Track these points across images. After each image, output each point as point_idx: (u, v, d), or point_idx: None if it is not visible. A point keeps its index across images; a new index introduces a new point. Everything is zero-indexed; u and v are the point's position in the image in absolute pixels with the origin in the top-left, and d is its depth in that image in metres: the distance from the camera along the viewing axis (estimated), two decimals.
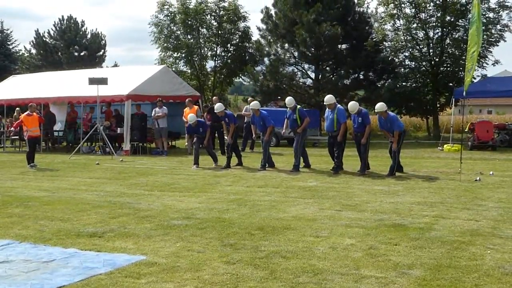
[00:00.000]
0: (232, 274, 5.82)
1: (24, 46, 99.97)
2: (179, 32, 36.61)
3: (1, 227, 8.38)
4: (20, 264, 6.39)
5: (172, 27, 36.59)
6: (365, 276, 5.67)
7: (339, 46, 32.79)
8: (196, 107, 20.82)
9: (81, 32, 52.13)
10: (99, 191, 11.86)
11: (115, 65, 51.35)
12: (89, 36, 52.62)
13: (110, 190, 12.06)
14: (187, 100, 21.19)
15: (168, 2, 36.30)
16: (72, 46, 50.68)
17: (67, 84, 24.49)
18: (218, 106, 16.52)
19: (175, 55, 37.12)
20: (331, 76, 34.13)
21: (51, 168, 17.01)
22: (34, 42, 50.93)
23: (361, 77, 33.73)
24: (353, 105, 14.31)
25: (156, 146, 22.47)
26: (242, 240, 7.24)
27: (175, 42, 36.49)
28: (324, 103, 14.71)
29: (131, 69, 28.04)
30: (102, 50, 53.49)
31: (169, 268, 6.08)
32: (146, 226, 8.26)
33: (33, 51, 51.17)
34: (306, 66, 34.61)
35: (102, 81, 20.06)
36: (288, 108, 15.32)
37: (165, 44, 36.56)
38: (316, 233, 7.62)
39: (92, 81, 20.23)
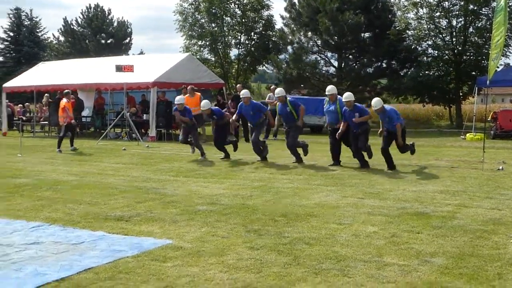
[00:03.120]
0: (256, 259, 5.82)
1: (53, 34, 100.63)
2: (203, 21, 36.58)
3: (32, 209, 8.49)
4: (50, 245, 6.46)
5: (196, 16, 36.55)
6: (388, 263, 5.63)
7: (362, 34, 32.58)
8: (198, 94, 19.97)
9: (107, 20, 52.43)
10: (125, 176, 11.95)
11: (141, 53, 51.58)
12: (115, 24, 52.94)
13: (137, 175, 12.14)
14: (189, 87, 20.05)
15: None
16: (99, 34, 51.09)
17: (94, 71, 24.68)
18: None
19: (199, 43, 37.15)
20: (354, 64, 33.98)
21: (79, 153, 17.18)
22: (62, 30, 51.42)
23: (384, 65, 33.52)
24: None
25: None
26: (265, 226, 7.25)
27: (199, 30, 36.47)
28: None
29: (157, 57, 28.14)
30: (128, 38, 53.79)
31: (194, 252, 6.10)
32: (172, 211, 8.30)
33: (61, 38, 51.74)
34: (329, 54, 34.50)
35: (129, 68, 20.15)
36: (279, 100, 13.98)
37: (190, 32, 36.58)
38: (339, 220, 7.59)
39: (119, 68, 20.33)
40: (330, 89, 13.43)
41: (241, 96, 14.99)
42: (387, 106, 12.88)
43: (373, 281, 5.12)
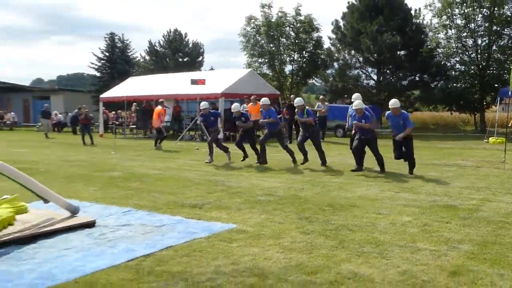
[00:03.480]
0: (307, 242, 5.80)
1: (140, 54, 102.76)
2: (263, 42, 36.60)
3: (123, 197, 8.70)
4: (138, 227, 6.61)
5: (257, 37, 36.64)
6: (421, 248, 5.51)
7: (398, 52, 31.94)
8: (259, 103, 19.40)
9: (184, 42, 53.12)
10: (199, 171, 12.10)
11: (211, 69, 51.98)
12: (190, 45, 53.55)
13: (207, 170, 12.27)
14: (252, 97, 19.64)
15: (254, 17, 36.39)
16: (177, 53, 51.87)
17: (173, 84, 25.11)
18: (298, 101, 13.34)
19: (259, 60, 37.18)
20: (391, 78, 33.43)
21: (161, 151, 17.51)
22: (148, 50, 52.51)
23: (417, 79, 32.84)
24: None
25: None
26: (315, 215, 7.21)
27: (259, 49, 36.55)
28: (390, 107, 11.43)
29: (224, 72, 28.36)
30: (201, 57, 54.34)
31: (255, 235, 6.13)
32: (237, 200, 8.35)
33: (147, 57, 52.72)
34: (369, 69, 34.03)
35: (201, 81, 20.46)
36: (297, 109, 13.25)
37: (252, 52, 36.70)
38: (378, 211, 7.46)
39: (193, 81, 20.66)
40: (355, 96, 13.09)
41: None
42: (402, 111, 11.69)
43: (407, 263, 5.02)
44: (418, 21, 32.44)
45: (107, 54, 49.79)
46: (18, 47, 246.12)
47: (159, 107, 19.29)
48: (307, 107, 13.21)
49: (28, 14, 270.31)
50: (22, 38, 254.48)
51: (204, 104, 14.41)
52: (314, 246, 5.63)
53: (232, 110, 14.54)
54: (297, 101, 13.25)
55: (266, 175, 11.29)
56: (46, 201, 7.30)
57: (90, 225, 6.67)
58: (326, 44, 35.98)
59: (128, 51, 51.60)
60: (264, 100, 13.79)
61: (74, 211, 7.04)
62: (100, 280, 4.68)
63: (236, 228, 6.46)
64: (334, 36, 34.34)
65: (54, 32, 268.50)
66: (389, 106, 11.39)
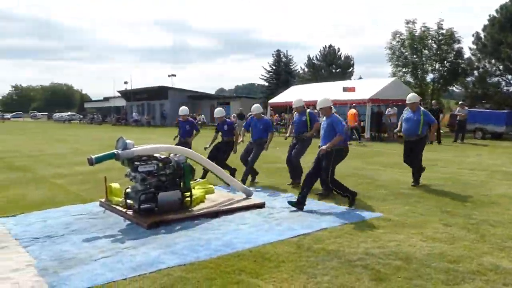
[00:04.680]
0: (449, 233, 5.36)
1: (300, 66, 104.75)
2: (407, 53, 34.82)
3: (281, 184, 8.82)
4: (298, 211, 6.68)
5: (401, 50, 34.97)
6: None
7: None
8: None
9: (337, 56, 52.89)
10: (347, 166, 11.85)
11: (360, 78, 50.85)
12: (342, 58, 53.13)
13: (355, 165, 11.99)
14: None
15: (399, 32, 34.83)
16: (331, 65, 51.84)
17: (327, 91, 24.91)
18: (296, 102, 9.05)
19: (403, 70, 35.50)
20: None
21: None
22: (306, 63, 53.35)
23: None
24: (414, 95, 8.95)
25: (387, 136, 21.74)
26: (456, 209, 6.63)
27: (403, 60, 34.86)
28: (408, 102, 8.80)
29: (371, 81, 27.49)
30: (351, 68, 53.60)
31: (400, 224, 5.84)
32: (382, 192, 8.04)
33: (306, 69, 53.56)
34: (509, 76, 30.55)
35: (352, 89, 20.12)
36: (295, 111, 9.17)
37: (396, 62, 35.18)
38: None
39: (345, 89, 20.39)
40: (411, 97, 8.89)
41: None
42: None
43: None
44: None
45: (274, 67, 51.64)
46: (205, 64, 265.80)
47: (353, 110, 19.55)
48: (308, 109, 9.00)
49: (213, 37, 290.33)
50: (207, 57, 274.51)
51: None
52: (455, 238, 5.19)
53: (215, 116, 9.71)
54: (296, 102, 9.01)
55: (407, 171, 10.64)
56: (228, 185, 7.77)
57: (261, 206, 6.92)
58: (467, 54, 33.07)
59: (291, 64, 52.83)
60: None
61: (248, 194, 7.37)
62: (269, 251, 4.83)
63: (382, 217, 6.22)
64: (475, 47, 31.50)
65: (231, 52, 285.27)
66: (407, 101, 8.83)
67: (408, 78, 35.90)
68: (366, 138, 20.83)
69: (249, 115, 10.43)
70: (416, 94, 9.15)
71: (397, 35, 35.28)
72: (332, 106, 7.49)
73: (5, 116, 77.40)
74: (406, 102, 8.86)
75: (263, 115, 9.36)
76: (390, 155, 14.19)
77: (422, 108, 8.77)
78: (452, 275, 4.08)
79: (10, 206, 7.26)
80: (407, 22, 34.58)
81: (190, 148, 9.05)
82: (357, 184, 8.87)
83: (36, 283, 4.06)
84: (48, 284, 4.03)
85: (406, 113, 8.85)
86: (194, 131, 10.20)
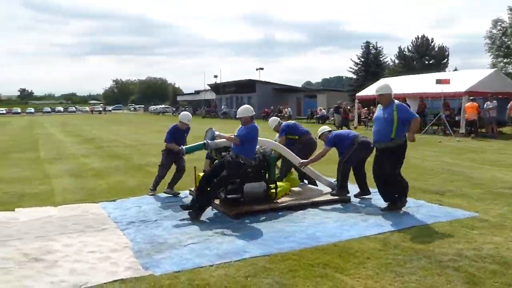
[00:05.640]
0: None
1: (390, 58, 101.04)
2: (509, 42, 32.12)
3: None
4: (374, 209, 6.46)
5: (503, 39, 32.30)
6: None
7: None
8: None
9: (430, 47, 50.25)
10: (440, 162, 11.26)
11: (455, 70, 47.81)
12: (436, 49, 50.40)
13: (448, 161, 11.32)
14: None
15: (501, 20, 32.13)
16: (424, 56, 49.50)
17: (419, 83, 23.81)
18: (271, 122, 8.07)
19: (505, 60, 32.79)
20: None
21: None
22: (397, 55, 51.40)
23: None
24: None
25: (486, 131, 20.19)
26: None
27: (505, 50, 32.21)
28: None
29: (468, 72, 25.70)
30: (446, 59, 50.59)
31: (498, 225, 5.41)
32: (478, 191, 7.51)
33: (396, 61, 51.58)
34: None
35: (446, 81, 18.98)
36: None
37: (497, 53, 32.59)
38: None
39: (438, 81, 19.31)
40: (379, 88, 6.48)
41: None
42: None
43: None
44: None
45: (362, 59, 50.32)
46: (293, 57, 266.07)
47: (474, 103, 18.71)
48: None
49: (301, 30, 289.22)
50: (295, 50, 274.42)
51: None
52: None
53: (181, 120, 7.63)
54: (271, 122, 7.91)
55: (509, 170, 9.85)
56: (312, 180, 7.70)
57: (346, 200, 6.80)
58: None
59: (380, 56, 51.06)
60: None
61: (333, 188, 7.26)
62: (354, 246, 4.73)
63: (478, 217, 5.81)
64: None
65: (319, 44, 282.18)
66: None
67: (510, 69, 33.16)
68: (460, 133, 19.53)
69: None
70: (388, 84, 6.54)
71: (498, 23, 32.68)
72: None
73: (106, 109, 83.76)
74: (375, 93, 6.53)
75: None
76: (488, 152, 13.19)
77: (396, 102, 6.20)
78: None
79: (110, 192, 7.86)
80: (510, 9, 31.79)
81: None
82: (450, 181, 8.38)
83: (132, 264, 4.35)
84: (142, 266, 4.30)
85: (377, 110, 6.56)
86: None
